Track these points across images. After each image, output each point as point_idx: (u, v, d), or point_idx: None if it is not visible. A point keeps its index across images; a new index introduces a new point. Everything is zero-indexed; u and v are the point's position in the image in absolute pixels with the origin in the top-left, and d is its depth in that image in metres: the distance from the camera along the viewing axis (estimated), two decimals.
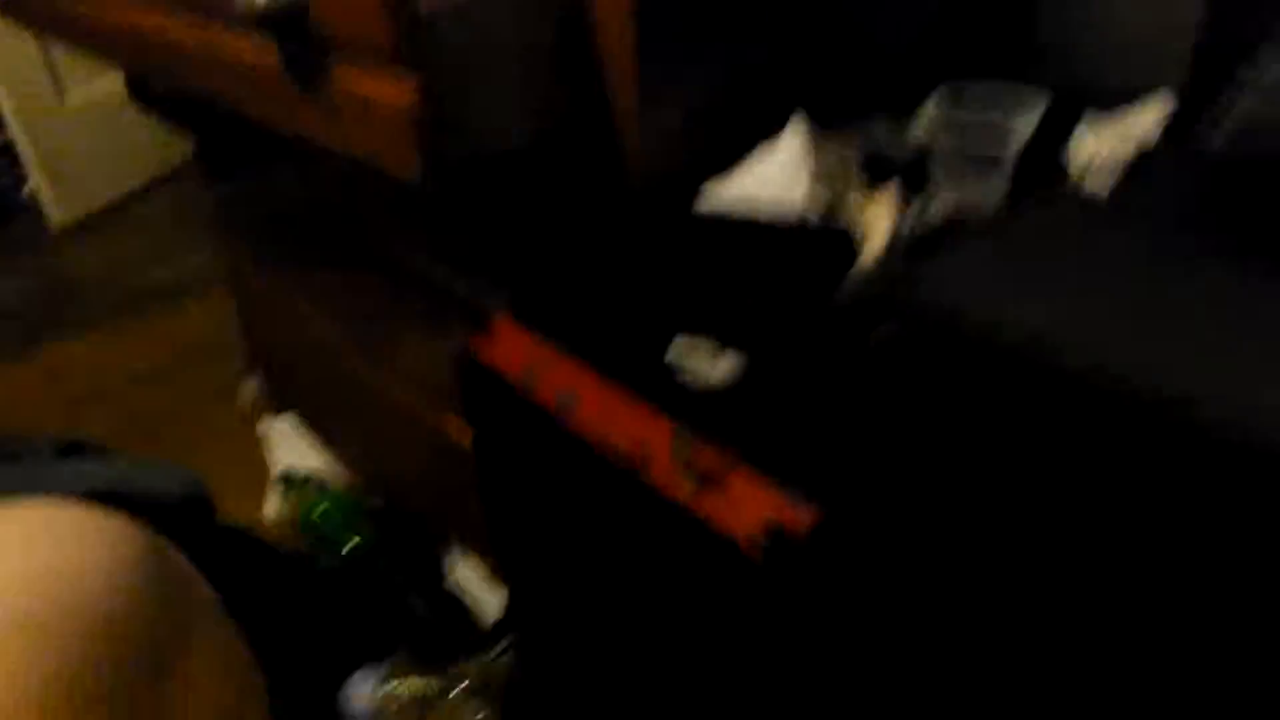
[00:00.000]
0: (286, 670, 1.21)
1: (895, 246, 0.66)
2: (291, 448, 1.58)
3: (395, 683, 1.16)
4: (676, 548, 0.60)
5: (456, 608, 1.29)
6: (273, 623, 1.26)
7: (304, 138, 0.87)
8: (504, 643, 1.18)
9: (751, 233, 0.64)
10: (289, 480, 1.50)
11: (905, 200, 0.69)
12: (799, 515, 0.55)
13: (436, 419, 1.19)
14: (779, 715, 0.60)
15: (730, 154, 0.76)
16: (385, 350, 1.28)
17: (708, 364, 0.64)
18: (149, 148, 2.39)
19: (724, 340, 0.65)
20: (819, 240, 0.60)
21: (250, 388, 1.73)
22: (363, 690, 1.17)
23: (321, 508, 1.43)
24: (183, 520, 1.21)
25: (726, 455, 0.59)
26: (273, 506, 1.51)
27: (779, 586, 0.55)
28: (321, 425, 1.58)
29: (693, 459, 0.57)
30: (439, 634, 1.26)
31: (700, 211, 0.66)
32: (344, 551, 1.39)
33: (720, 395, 0.64)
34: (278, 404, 1.69)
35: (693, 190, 0.73)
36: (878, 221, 0.65)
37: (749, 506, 0.56)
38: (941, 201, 0.77)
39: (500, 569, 0.88)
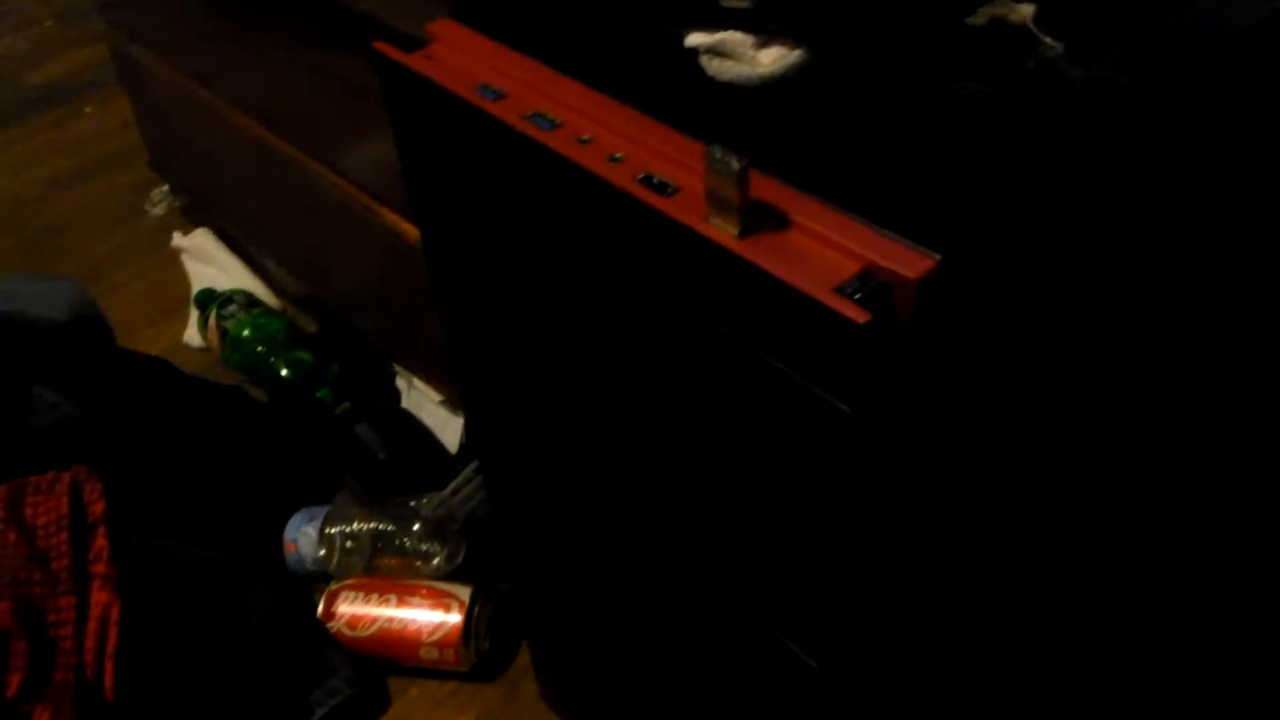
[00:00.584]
0: (219, 510, 1.04)
1: None
2: (212, 264, 1.37)
3: (343, 523, 0.99)
4: (714, 317, 0.42)
5: (410, 436, 1.12)
6: (193, 459, 1.08)
7: None
8: (465, 474, 1.02)
9: None
10: (210, 299, 1.29)
11: None
12: (905, 262, 0.36)
13: (381, 212, 0.98)
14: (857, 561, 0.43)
15: None
16: (317, 133, 1.05)
17: (748, 55, 0.44)
18: None
19: (767, 30, 0.45)
20: None
21: (161, 197, 1.50)
22: (307, 531, 1.01)
23: (250, 328, 1.23)
24: (73, 344, 1.02)
25: (784, 184, 0.40)
26: (193, 330, 1.31)
27: (875, 365, 0.36)
28: (246, 235, 1.36)
29: (740, 186, 0.37)
30: (391, 466, 1.09)
31: None
32: (281, 375, 1.20)
33: (768, 98, 0.44)
34: (193, 215, 1.46)
35: None
36: None
37: (826, 254, 0.37)
38: None
39: (457, 369, 0.70)
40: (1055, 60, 0.45)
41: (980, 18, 0.47)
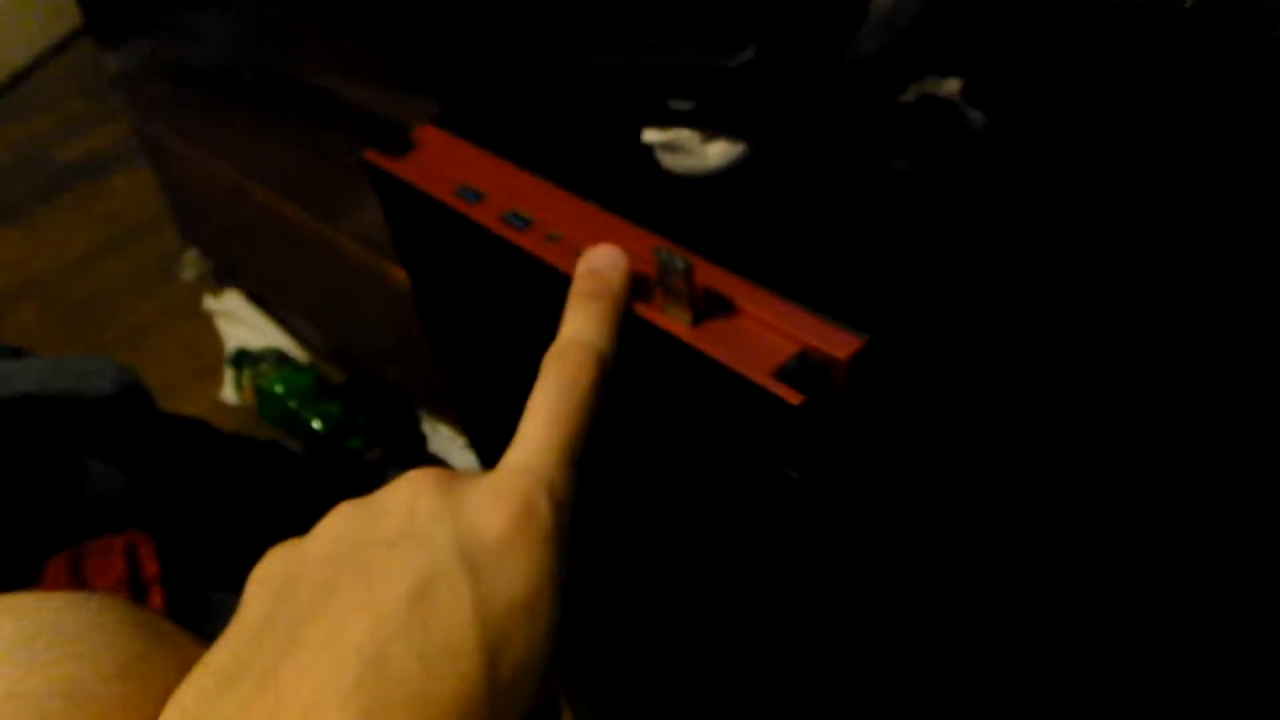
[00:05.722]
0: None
1: None
2: (243, 323, 1.43)
3: None
4: (674, 398, 0.46)
5: None
6: (238, 514, 1.14)
7: None
8: None
9: None
10: (243, 358, 1.36)
11: None
12: (836, 342, 0.40)
13: (394, 272, 1.04)
14: (805, 607, 0.48)
15: None
16: (327, 201, 1.11)
17: (697, 149, 0.48)
18: (28, 18, 2.14)
19: (713, 126, 0.49)
20: None
21: (191, 262, 1.57)
22: None
23: (281, 384, 1.29)
24: (120, 415, 1.08)
25: (731, 274, 0.44)
26: (229, 389, 1.38)
27: (811, 436, 0.41)
28: (272, 296, 1.43)
29: (686, 281, 0.42)
30: None
31: None
32: (313, 429, 1.26)
33: (713, 189, 0.49)
34: (223, 277, 1.53)
35: None
36: None
37: (769, 338, 0.42)
38: None
39: (469, 436, 0.75)
40: (980, 133, 0.49)
41: (910, 95, 0.51)
